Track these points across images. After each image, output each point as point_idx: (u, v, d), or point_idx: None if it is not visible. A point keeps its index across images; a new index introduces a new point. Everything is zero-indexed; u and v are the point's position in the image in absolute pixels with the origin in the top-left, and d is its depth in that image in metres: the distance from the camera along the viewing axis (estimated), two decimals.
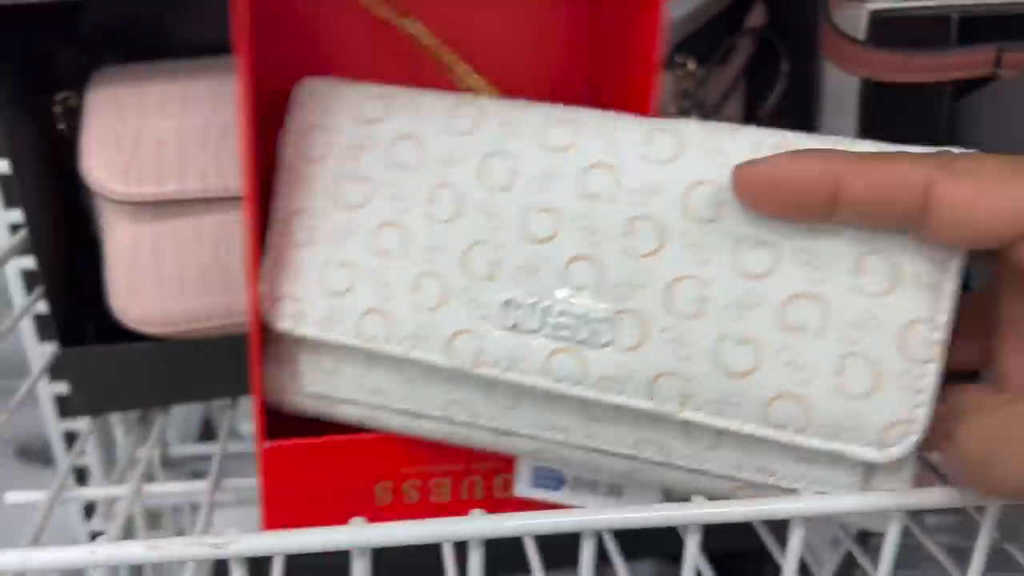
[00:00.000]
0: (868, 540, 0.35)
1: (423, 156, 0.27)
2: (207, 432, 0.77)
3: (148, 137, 0.36)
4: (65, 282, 0.38)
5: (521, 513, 0.23)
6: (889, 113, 0.36)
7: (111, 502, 0.37)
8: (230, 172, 0.36)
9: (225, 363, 0.37)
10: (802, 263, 0.23)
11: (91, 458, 0.55)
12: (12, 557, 0.21)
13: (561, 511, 0.24)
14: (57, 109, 0.38)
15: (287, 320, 0.28)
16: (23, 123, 0.36)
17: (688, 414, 0.24)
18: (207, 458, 0.67)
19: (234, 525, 0.23)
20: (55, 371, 0.51)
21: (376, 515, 0.29)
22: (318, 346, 0.28)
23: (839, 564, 0.37)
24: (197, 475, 0.59)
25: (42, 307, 0.40)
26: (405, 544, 0.23)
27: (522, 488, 0.28)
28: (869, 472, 0.24)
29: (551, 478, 0.28)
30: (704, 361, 0.23)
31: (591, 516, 0.23)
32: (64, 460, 0.55)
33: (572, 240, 0.24)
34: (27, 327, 0.50)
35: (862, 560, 0.32)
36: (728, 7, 0.42)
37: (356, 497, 0.30)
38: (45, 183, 0.38)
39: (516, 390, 0.25)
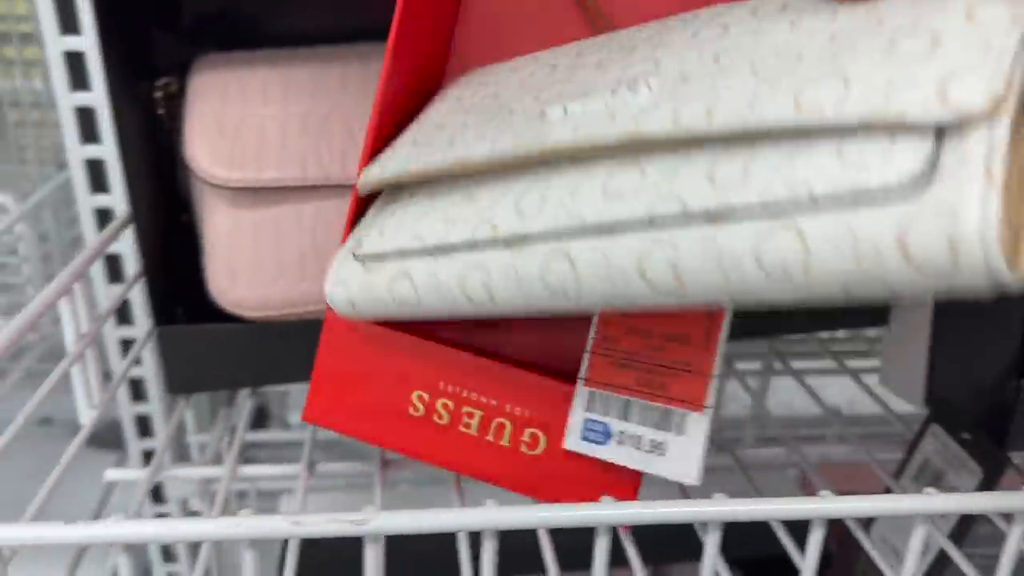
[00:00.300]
0: (962, 540, 0.35)
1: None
2: (258, 420, 0.78)
3: (250, 124, 0.36)
4: (162, 265, 0.38)
5: (539, 506, 0.23)
6: None
7: (207, 481, 0.37)
8: (330, 160, 0.36)
9: (315, 347, 0.38)
10: None
11: (159, 442, 0.56)
12: (160, 528, 0.22)
13: (575, 505, 0.23)
14: (158, 95, 0.39)
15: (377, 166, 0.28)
16: (129, 107, 0.37)
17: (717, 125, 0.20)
18: (258, 445, 0.68)
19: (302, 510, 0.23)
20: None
21: (406, 428, 0.29)
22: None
23: (931, 565, 0.36)
24: (249, 461, 0.60)
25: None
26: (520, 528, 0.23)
27: (572, 441, 0.28)
28: (932, 161, 0.17)
29: (600, 432, 0.28)
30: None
31: (606, 511, 0.23)
32: (135, 444, 0.55)
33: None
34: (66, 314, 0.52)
35: (960, 562, 0.31)
36: None
37: (393, 400, 0.30)
38: (146, 167, 0.38)
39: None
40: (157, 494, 0.59)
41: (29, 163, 0.70)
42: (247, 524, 0.22)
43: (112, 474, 0.36)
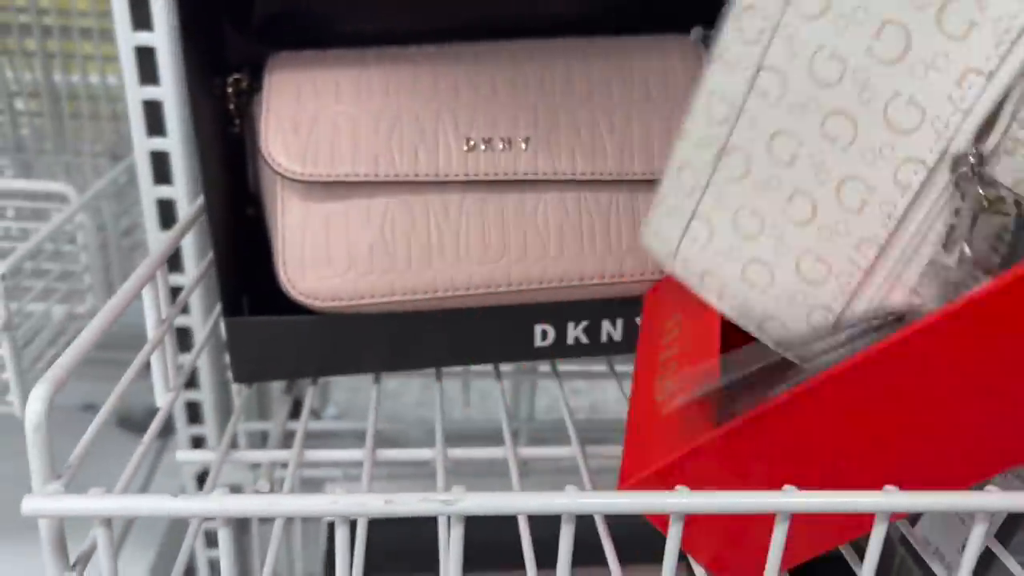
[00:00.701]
0: (1008, 540, 0.36)
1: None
2: (294, 413, 0.79)
3: (324, 120, 0.37)
4: (232, 256, 0.40)
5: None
6: None
7: (273, 466, 0.38)
8: (400, 157, 0.37)
9: (378, 339, 0.39)
10: None
11: (209, 428, 0.57)
12: (260, 502, 0.23)
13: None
14: (230, 90, 0.40)
15: (694, 239, 0.30)
16: (203, 102, 0.38)
17: None
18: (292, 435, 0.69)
19: None
20: (183, 344, 0.54)
21: None
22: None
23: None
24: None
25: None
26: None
27: None
28: None
29: None
30: None
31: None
32: (185, 430, 0.57)
33: None
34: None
35: (1007, 562, 0.32)
36: None
37: None
38: (219, 160, 0.40)
39: None
40: (201, 481, 0.60)
41: (84, 155, 0.71)
42: (344, 502, 0.23)
43: (184, 455, 0.37)
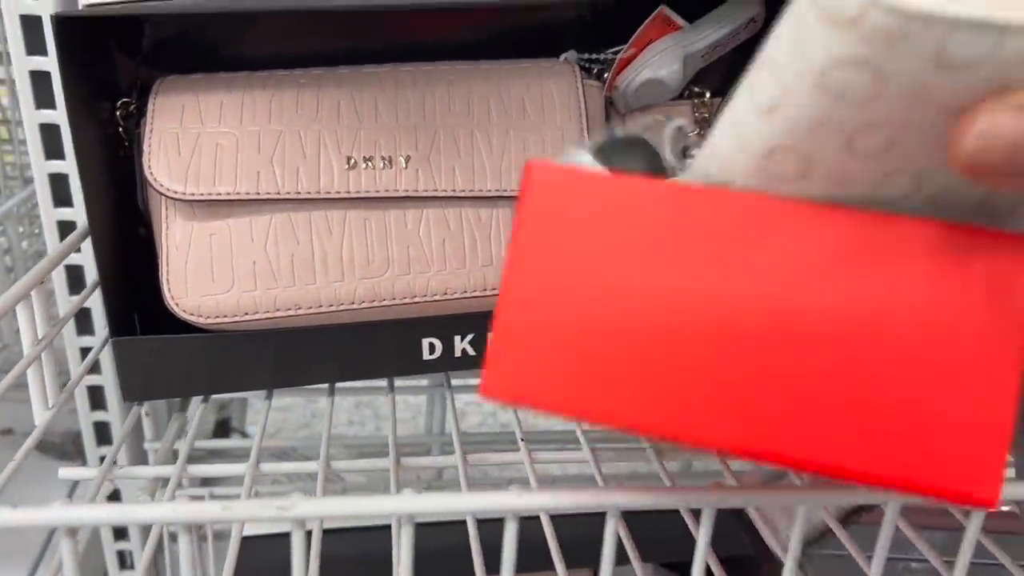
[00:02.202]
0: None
1: None
2: (221, 433, 0.79)
3: (206, 141, 0.38)
4: (119, 276, 0.40)
5: (457, 494, 0.25)
6: None
7: (159, 481, 0.38)
8: (282, 175, 0.38)
9: (266, 355, 0.40)
10: None
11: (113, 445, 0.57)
12: (113, 512, 0.23)
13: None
14: (118, 114, 0.41)
15: None
16: (87, 125, 0.39)
17: None
18: (218, 453, 0.69)
19: None
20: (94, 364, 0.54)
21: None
22: None
23: None
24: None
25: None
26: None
27: None
28: None
29: None
30: None
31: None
32: (93, 451, 0.57)
33: None
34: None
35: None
36: (743, 43, 0.45)
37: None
38: (104, 182, 0.40)
39: None
40: (114, 497, 0.60)
41: None
42: (184, 509, 0.24)
43: (66, 472, 0.37)
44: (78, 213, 0.51)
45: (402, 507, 0.24)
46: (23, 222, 0.61)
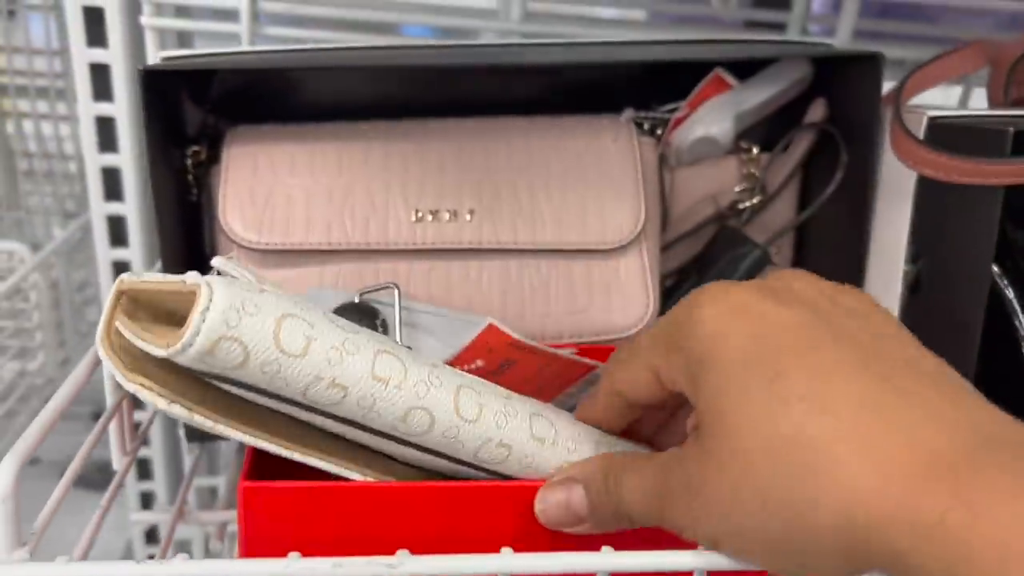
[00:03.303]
0: None
1: None
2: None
3: (279, 192, 0.39)
4: None
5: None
6: (943, 209, 0.40)
7: (224, 525, 0.39)
8: (352, 227, 0.39)
9: None
10: None
11: (158, 484, 0.58)
12: (213, 568, 0.24)
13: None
14: (189, 161, 0.42)
15: None
16: (163, 172, 0.40)
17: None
18: None
19: None
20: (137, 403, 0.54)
21: None
22: None
23: None
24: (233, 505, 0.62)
25: None
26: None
27: None
28: None
29: None
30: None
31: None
32: (134, 486, 0.57)
33: None
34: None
35: None
36: (792, 101, 0.47)
37: None
38: (176, 227, 0.41)
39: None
40: (151, 536, 0.60)
41: (34, 212, 0.72)
42: (296, 566, 0.24)
43: (136, 516, 0.37)
44: (133, 253, 0.52)
45: (507, 565, 0.25)
46: (66, 257, 0.62)
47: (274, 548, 0.26)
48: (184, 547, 0.62)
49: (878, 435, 0.20)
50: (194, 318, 0.22)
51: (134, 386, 0.24)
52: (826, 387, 0.21)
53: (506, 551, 0.26)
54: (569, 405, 0.38)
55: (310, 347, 0.23)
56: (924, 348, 0.23)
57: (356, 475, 0.27)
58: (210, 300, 0.22)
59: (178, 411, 0.24)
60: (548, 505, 0.27)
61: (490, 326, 0.33)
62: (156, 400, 0.24)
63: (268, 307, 0.23)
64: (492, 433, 0.26)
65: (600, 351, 0.36)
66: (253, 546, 0.27)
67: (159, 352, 0.22)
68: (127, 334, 0.24)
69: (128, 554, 0.62)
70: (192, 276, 0.23)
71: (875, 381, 0.21)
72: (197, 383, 0.24)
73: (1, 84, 0.68)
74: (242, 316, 0.22)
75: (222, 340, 0.22)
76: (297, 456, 0.26)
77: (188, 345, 0.22)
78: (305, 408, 0.25)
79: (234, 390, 0.24)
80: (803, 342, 0.22)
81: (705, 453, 0.23)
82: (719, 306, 0.23)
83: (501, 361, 0.35)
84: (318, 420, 0.25)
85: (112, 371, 0.24)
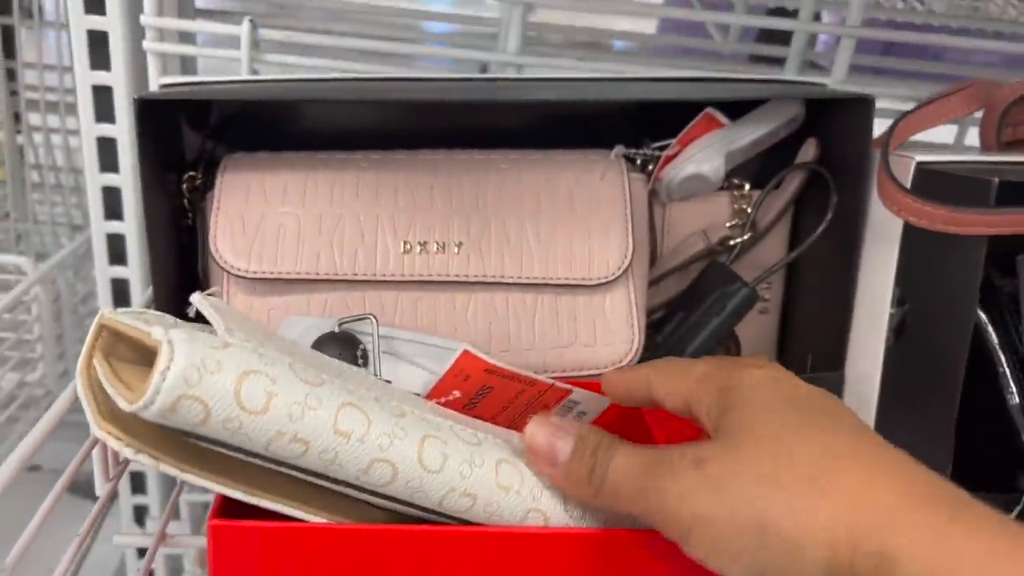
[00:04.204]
0: None
1: None
2: None
3: (270, 221, 0.40)
4: None
5: None
6: (929, 253, 0.40)
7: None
8: (340, 257, 0.40)
9: None
10: None
11: (151, 499, 0.58)
12: None
13: None
14: (184, 186, 0.43)
15: None
16: (157, 195, 0.41)
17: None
18: None
19: None
20: None
21: None
22: None
23: None
24: None
25: None
26: None
27: None
28: None
29: None
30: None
31: None
32: (128, 500, 0.58)
33: None
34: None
35: None
36: (783, 140, 0.47)
37: None
38: (168, 250, 0.42)
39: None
40: (142, 552, 0.61)
41: (42, 223, 0.73)
42: None
43: (121, 540, 0.38)
44: (131, 271, 0.53)
45: None
46: (71, 269, 0.63)
47: None
48: (176, 562, 0.63)
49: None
50: (155, 377, 0.22)
51: (103, 433, 0.24)
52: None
53: None
54: None
55: (271, 403, 0.24)
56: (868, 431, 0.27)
57: (323, 520, 0.27)
58: (171, 360, 0.22)
59: (145, 460, 0.24)
60: (536, 435, 0.28)
61: (465, 352, 0.33)
62: (123, 450, 0.24)
63: (230, 364, 0.23)
64: (456, 483, 0.26)
65: (583, 385, 0.37)
66: None
67: (124, 406, 0.23)
68: (100, 376, 0.24)
69: (122, 568, 0.63)
70: (157, 331, 0.23)
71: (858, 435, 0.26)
72: (164, 431, 0.25)
73: (13, 98, 0.69)
74: (203, 375, 0.23)
75: (182, 399, 0.22)
76: (265, 503, 0.26)
77: (149, 403, 0.22)
78: (269, 460, 0.25)
79: (200, 443, 0.25)
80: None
81: (725, 447, 0.26)
82: (763, 371, 0.28)
83: (478, 389, 0.35)
84: (284, 470, 0.26)
85: (86, 413, 0.25)
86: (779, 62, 0.61)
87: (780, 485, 0.23)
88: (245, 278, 0.39)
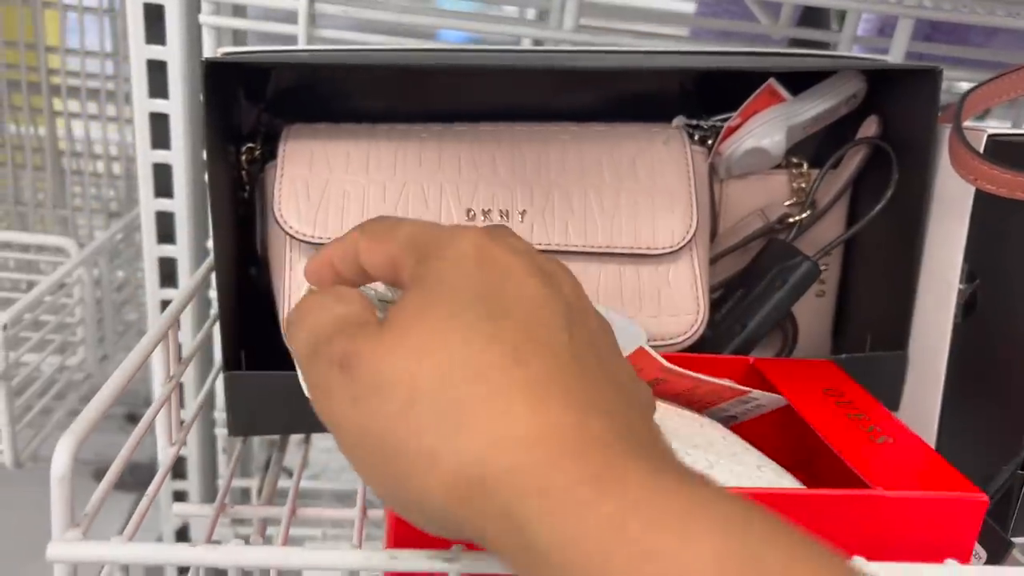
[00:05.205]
0: None
1: None
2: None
3: (334, 188, 0.40)
4: (235, 313, 0.41)
5: None
6: (1001, 229, 0.40)
7: (265, 522, 0.39)
8: None
9: None
10: None
11: (192, 484, 0.57)
12: (272, 554, 0.24)
13: None
14: (243, 158, 0.43)
15: None
16: (220, 167, 0.40)
17: None
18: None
19: None
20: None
21: None
22: None
23: None
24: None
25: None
26: None
27: None
28: None
29: None
30: None
31: None
32: (168, 484, 0.57)
33: None
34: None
35: None
36: (843, 119, 0.46)
37: None
38: (229, 222, 0.41)
39: None
40: (182, 536, 0.60)
41: (80, 210, 0.73)
42: (352, 556, 0.24)
43: (180, 509, 0.37)
44: (179, 251, 0.52)
45: None
46: (109, 255, 0.62)
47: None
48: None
49: (529, 408, 0.20)
50: None
51: None
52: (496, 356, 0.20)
53: None
54: (724, 416, 0.38)
55: None
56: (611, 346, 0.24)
57: None
58: None
59: None
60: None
61: (639, 350, 0.33)
62: None
63: None
64: None
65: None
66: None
67: None
68: None
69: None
70: None
71: (552, 357, 0.21)
72: None
73: (54, 84, 0.69)
74: None
75: None
76: None
77: None
78: None
79: None
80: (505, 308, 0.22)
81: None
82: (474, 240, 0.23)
83: (651, 380, 0.35)
84: None
85: None
86: (823, 47, 0.60)
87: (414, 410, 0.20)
88: (310, 242, 0.39)
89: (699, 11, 0.70)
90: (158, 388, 0.34)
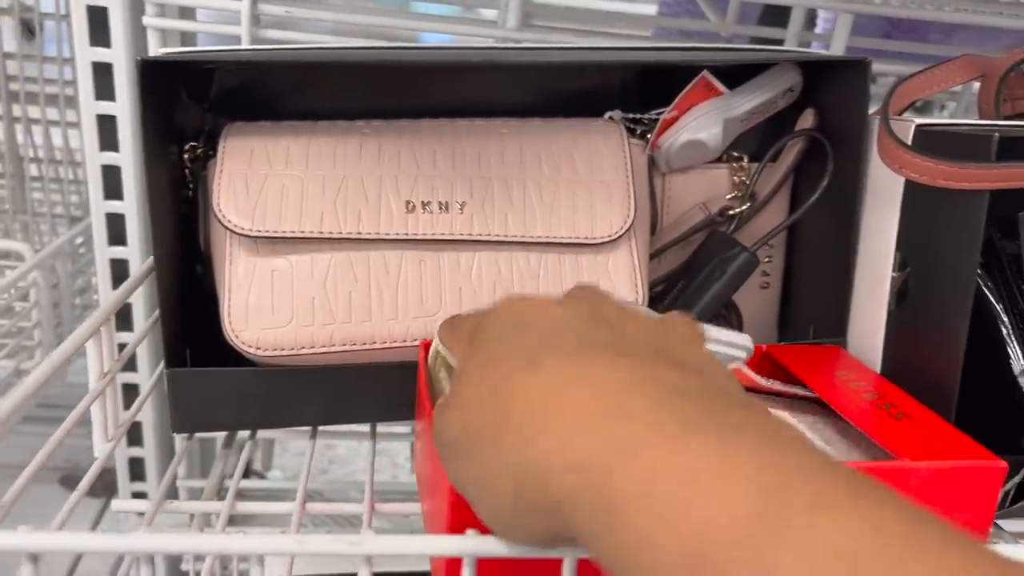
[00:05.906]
0: None
1: None
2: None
3: (273, 182, 0.40)
4: (177, 311, 0.41)
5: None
6: (930, 217, 0.40)
7: (207, 516, 0.39)
8: (344, 217, 0.40)
9: (317, 392, 0.41)
10: None
11: (150, 485, 0.57)
12: (183, 540, 0.24)
13: None
14: (186, 156, 0.43)
15: None
16: (158, 167, 0.41)
17: None
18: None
19: None
20: (130, 401, 0.55)
21: None
22: None
23: None
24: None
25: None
26: None
27: None
28: None
29: None
30: None
31: None
32: (127, 486, 0.57)
33: None
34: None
35: None
36: (781, 113, 0.47)
37: None
38: (169, 221, 0.42)
39: None
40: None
41: (42, 216, 0.73)
42: (255, 541, 0.24)
43: (118, 505, 0.37)
44: (131, 252, 0.53)
45: (467, 547, 0.25)
46: (69, 259, 0.62)
47: None
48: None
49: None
50: None
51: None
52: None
53: (471, 532, 0.26)
54: None
55: None
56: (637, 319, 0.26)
57: None
58: None
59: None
60: None
61: (735, 371, 0.34)
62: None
63: None
64: None
65: None
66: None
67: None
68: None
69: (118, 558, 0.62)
70: None
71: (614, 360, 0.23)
72: None
73: (12, 91, 0.69)
74: None
75: None
76: None
77: None
78: None
79: None
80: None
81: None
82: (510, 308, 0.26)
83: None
84: None
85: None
86: (779, 44, 0.61)
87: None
88: (248, 236, 0.39)
89: (661, 12, 0.71)
90: (92, 384, 0.34)
